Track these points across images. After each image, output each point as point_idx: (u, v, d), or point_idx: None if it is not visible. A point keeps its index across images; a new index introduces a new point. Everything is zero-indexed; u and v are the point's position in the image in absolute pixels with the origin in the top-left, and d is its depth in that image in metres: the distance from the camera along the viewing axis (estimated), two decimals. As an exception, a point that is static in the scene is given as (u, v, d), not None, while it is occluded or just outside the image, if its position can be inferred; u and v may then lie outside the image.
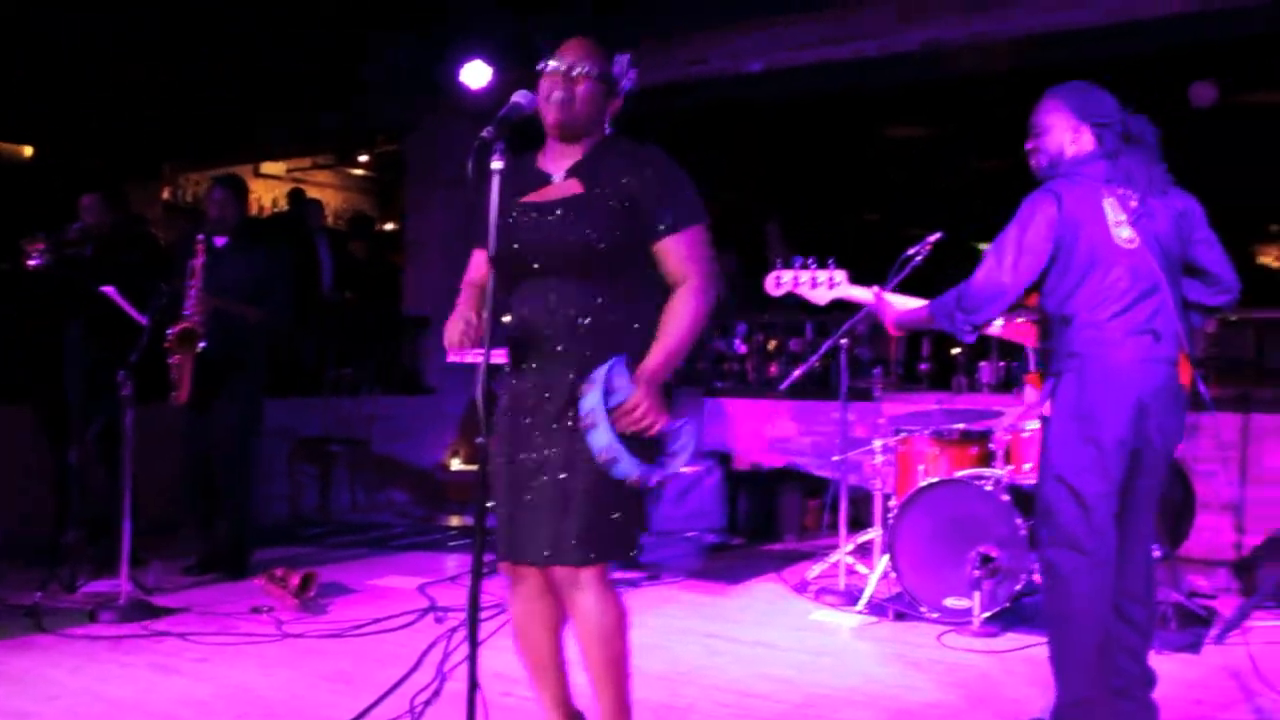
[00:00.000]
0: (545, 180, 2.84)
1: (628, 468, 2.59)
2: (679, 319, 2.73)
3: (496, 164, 2.54)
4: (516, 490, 2.77)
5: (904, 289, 4.98)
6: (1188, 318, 3.39)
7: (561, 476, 2.70)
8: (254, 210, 12.65)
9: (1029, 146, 3.49)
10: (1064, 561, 3.23)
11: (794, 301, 8.79)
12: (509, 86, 2.76)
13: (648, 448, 2.66)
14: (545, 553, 2.71)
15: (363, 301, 9.93)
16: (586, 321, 2.73)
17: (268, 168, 13.06)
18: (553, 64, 2.77)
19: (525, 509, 2.74)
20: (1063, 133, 3.40)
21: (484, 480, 2.62)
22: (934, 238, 5.04)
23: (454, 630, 4.44)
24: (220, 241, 5.60)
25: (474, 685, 2.54)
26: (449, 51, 7.90)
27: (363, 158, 13.67)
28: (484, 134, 2.54)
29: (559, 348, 2.74)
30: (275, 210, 12.36)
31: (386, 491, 8.49)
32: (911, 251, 5.01)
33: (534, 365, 2.78)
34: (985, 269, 3.30)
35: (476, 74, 7.52)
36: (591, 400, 2.57)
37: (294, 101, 9.27)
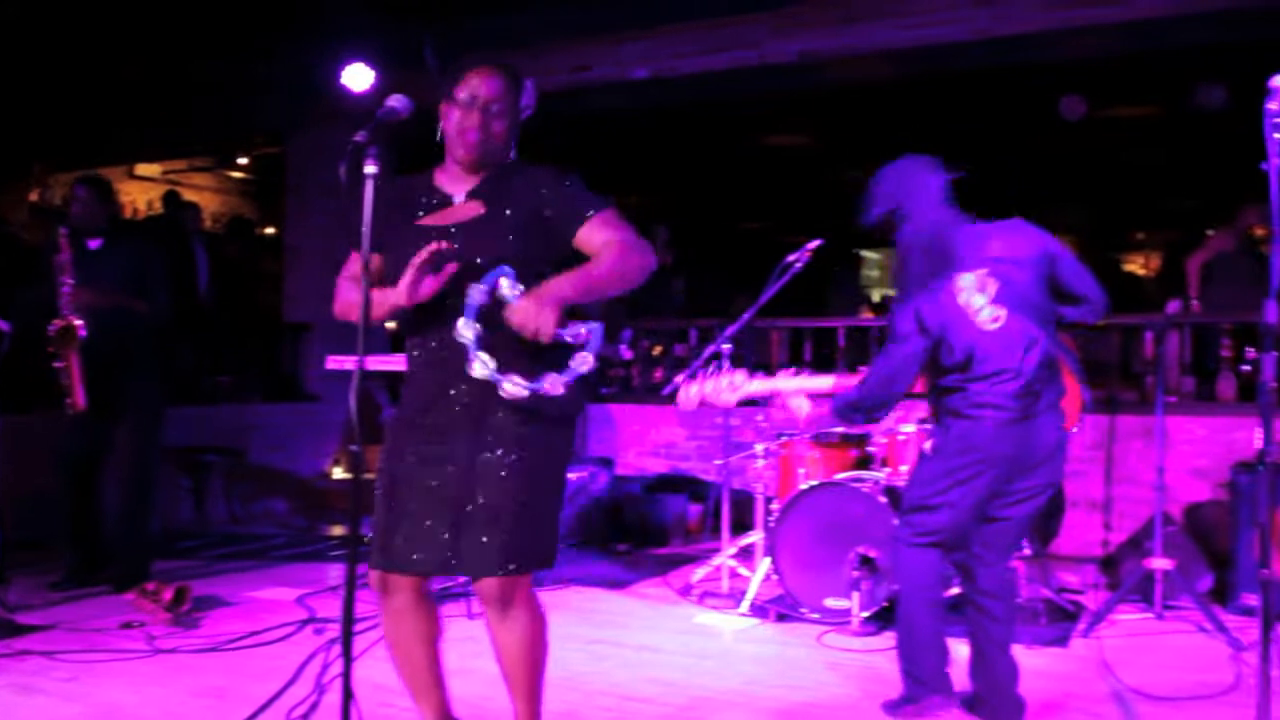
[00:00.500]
0: (447, 201, 2.84)
1: (513, 388, 2.54)
2: (602, 259, 2.72)
3: (370, 169, 2.51)
4: (421, 501, 2.74)
5: (784, 294, 5.08)
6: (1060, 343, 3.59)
7: (484, 488, 2.70)
8: (128, 213, 12.32)
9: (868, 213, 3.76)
10: (912, 561, 3.53)
11: (679, 307, 8.86)
12: (391, 89, 2.72)
13: (540, 359, 2.63)
14: (483, 566, 2.70)
15: (241, 307, 9.71)
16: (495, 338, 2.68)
17: (142, 169, 12.71)
18: (464, 95, 2.78)
19: (437, 520, 2.73)
20: (909, 208, 3.65)
21: (356, 489, 2.57)
22: (813, 245, 5.13)
23: (333, 642, 4.35)
24: (94, 244, 5.43)
25: (348, 696, 2.50)
26: (330, 54, 7.78)
27: (242, 160, 13.38)
28: (357, 138, 2.51)
29: (448, 380, 2.73)
30: (150, 213, 12.03)
31: (265, 502, 8.30)
32: (791, 258, 5.10)
33: (445, 379, 2.75)
34: (868, 385, 3.53)
35: (358, 77, 7.42)
36: (466, 327, 2.53)
37: (168, 102, 9.03)
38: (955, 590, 4.70)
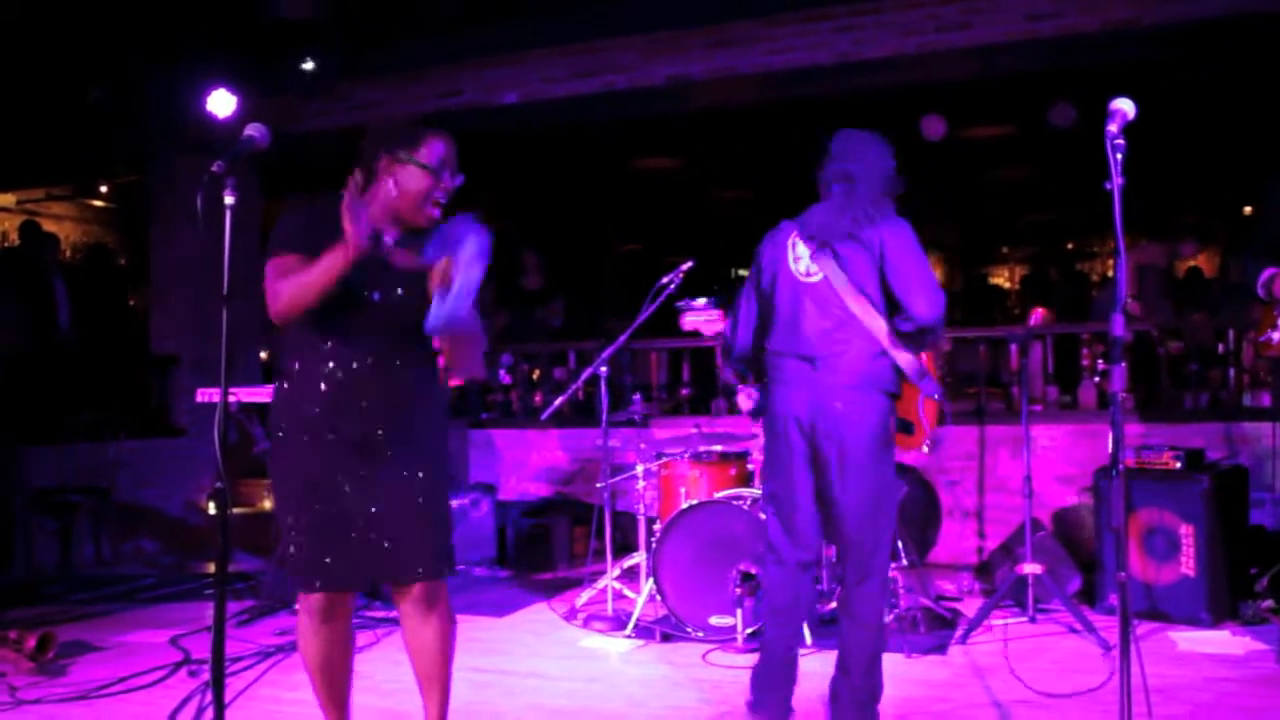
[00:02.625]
0: (378, 236, 2.93)
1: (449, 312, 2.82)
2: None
3: (229, 199, 2.48)
4: (360, 520, 2.92)
5: (658, 317, 5.12)
6: (901, 345, 3.62)
7: (414, 499, 2.94)
8: (-19, 244, 11.84)
9: None
10: (769, 573, 3.72)
11: (556, 330, 8.86)
12: (255, 116, 2.69)
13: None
14: (418, 570, 2.96)
15: (104, 340, 9.39)
16: (416, 371, 3.00)
17: (-5, 199, 12.24)
18: (432, 161, 2.94)
19: (375, 535, 2.92)
20: None
21: (224, 525, 2.52)
22: (686, 266, 5.19)
23: (208, 684, 4.23)
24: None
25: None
26: (192, 80, 7.60)
27: (103, 188, 12.97)
28: (214, 168, 2.48)
29: (396, 390, 2.95)
30: (6, 244, 11.57)
31: (135, 541, 8.02)
32: (665, 280, 5.14)
33: (363, 406, 2.92)
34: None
35: (221, 103, 7.25)
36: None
37: (24, 129, 8.71)
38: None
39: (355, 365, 2.91)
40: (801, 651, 3.84)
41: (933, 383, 3.69)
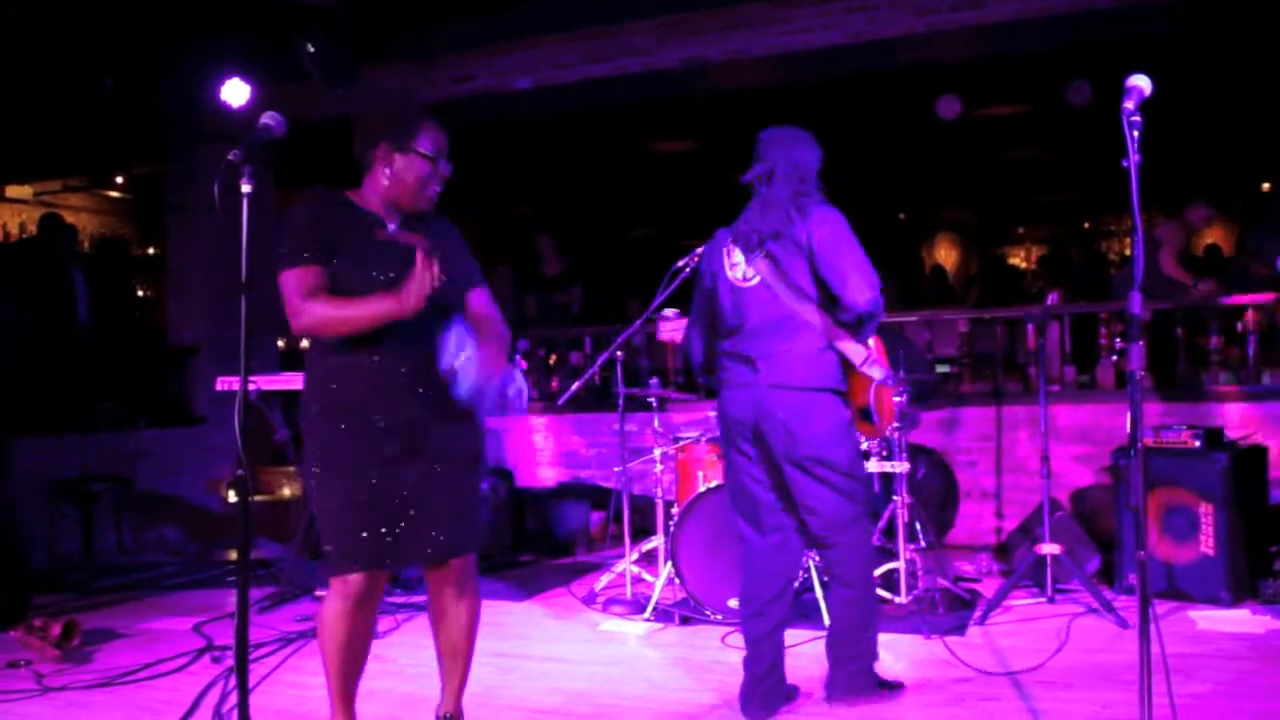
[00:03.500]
0: (380, 223, 3.03)
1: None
2: (503, 334, 3.17)
3: (246, 187, 2.50)
4: (403, 499, 2.99)
5: (674, 300, 5.12)
6: (842, 334, 3.66)
7: (449, 479, 3.04)
8: (-1, 236, 11.90)
9: None
10: (745, 568, 3.85)
11: (575, 315, 8.88)
12: (269, 105, 2.70)
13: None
14: (464, 546, 3.11)
15: (123, 331, 9.44)
16: (431, 355, 2.99)
17: (13, 190, 12.28)
18: (431, 150, 3.04)
19: (413, 518, 3.00)
20: None
21: (245, 513, 2.54)
22: (700, 250, 5.16)
23: (232, 670, 4.28)
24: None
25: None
26: (207, 69, 7.62)
27: (119, 179, 13.01)
28: (231, 157, 2.50)
29: (425, 376, 2.99)
30: (23, 236, 11.63)
31: (157, 529, 8.08)
32: (680, 264, 5.13)
33: (396, 391, 2.99)
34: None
35: (235, 92, 7.27)
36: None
37: (42, 121, 8.75)
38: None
39: (402, 352, 2.98)
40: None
41: (884, 369, 3.70)
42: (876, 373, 3.67)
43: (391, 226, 3.05)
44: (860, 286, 3.55)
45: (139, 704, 4.08)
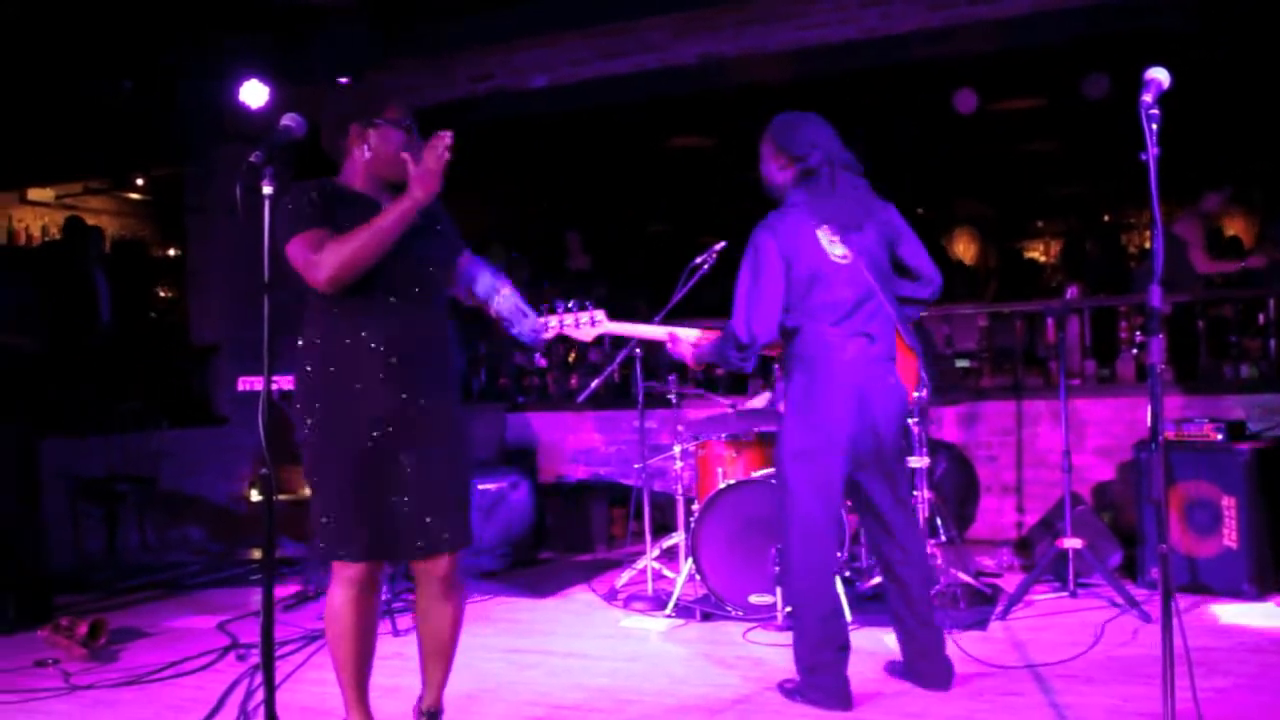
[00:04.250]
0: (374, 205, 3.03)
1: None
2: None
3: (267, 189, 2.53)
4: (397, 490, 3.01)
5: (691, 297, 5.13)
6: (902, 313, 3.88)
7: (438, 471, 3.04)
8: (20, 239, 11.96)
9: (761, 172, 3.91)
10: (797, 542, 3.73)
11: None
12: (287, 105, 2.73)
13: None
14: (454, 540, 3.07)
15: (144, 332, 9.50)
16: (440, 334, 3.11)
17: (35, 194, 12.35)
18: (395, 119, 3.07)
19: (403, 508, 3.01)
20: (768, 163, 3.87)
21: (270, 512, 2.57)
22: (719, 247, 5.18)
23: (257, 667, 4.30)
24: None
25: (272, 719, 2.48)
26: (226, 71, 7.66)
27: (139, 181, 13.07)
28: (252, 158, 2.52)
29: (428, 358, 3.06)
30: (45, 239, 11.71)
31: (180, 529, 8.13)
32: (698, 261, 5.15)
33: (398, 374, 3.01)
34: (738, 311, 3.73)
35: (255, 93, 7.31)
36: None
37: (62, 124, 8.81)
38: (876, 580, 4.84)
39: (399, 339, 3.02)
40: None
41: (912, 335, 3.94)
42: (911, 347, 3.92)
43: (385, 205, 3.05)
44: (935, 266, 3.87)
45: (165, 702, 4.11)
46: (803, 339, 3.72)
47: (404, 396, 3.01)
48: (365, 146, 3.04)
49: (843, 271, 3.71)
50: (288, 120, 2.67)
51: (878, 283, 3.74)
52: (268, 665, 2.48)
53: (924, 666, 3.86)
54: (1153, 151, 2.58)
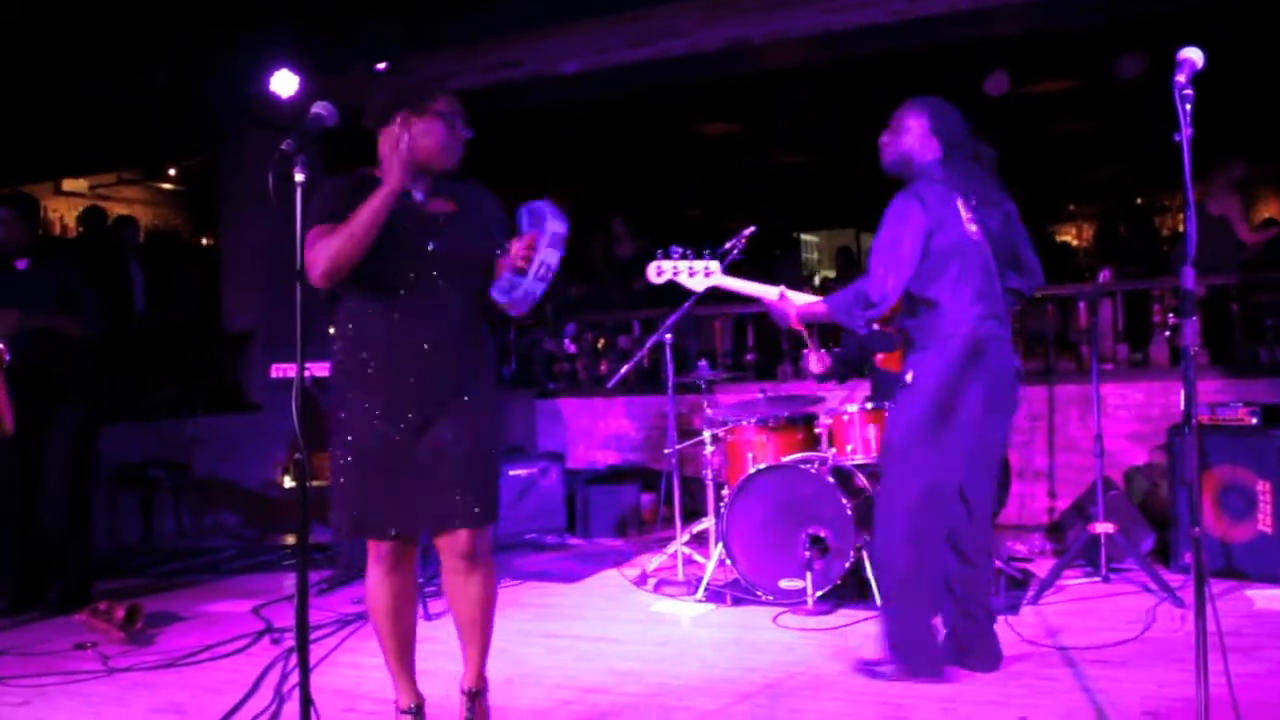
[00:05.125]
0: (407, 196, 3.06)
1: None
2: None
3: (299, 176, 2.55)
4: (412, 471, 3.04)
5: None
6: (1008, 301, 3.95)
7: (460, 450, 3.04)
8: (56, 230, 12.10)
9: (883, 140, 3.90)
10: (914, 514, 3.70)
11: (619, 300, 8.85)
12: (317, 94, 2.75)
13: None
14: (468, 518, 3.05)
15: (179, 320, 9.59)
16: (465, 321, 3.10)
17: (69, 184, 12.49)
18: (448, 111, 3.08)
19: (424, 485, 3.04)
20: (915, 139, 3.83)
21: (304, 497, 2.60)
22: (748, 231, 5.19)
23: (291, 651, 4.36)
24: (21, 264, 5.37)
25: (307, 702, 2.51)
26: (256, 60, 7.70)
27: (171, 171, 13.19)
28: (284, 146, 2.54)
29: (446, 344, 3.06)
30: (81, 230, 11.82)
31: (215, 514, 8.22)
32: (728, 245, 5.14)
33: (416, 360, 3.03)
34: (875, 271, 3.72)
35: (285, 83, 7.35)
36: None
37: (95, 115, 8.89)
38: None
39: (410, 319, 3.04)
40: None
41: None
42: None
43: (418, 195, 3.10)
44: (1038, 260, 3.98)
45: (201, 684, 4.16)
46: (941, 313, 3.72)
47: (426, 383, 3.04)
48: (410, 134, 3.05)
49: (976, 249, 3.77)
50: (319, 108, 2.69)
51: (998, 269, 3.83)
52: (303, 649, 2.51)
53: (978, 646, 3.88)
54: (1186, 132, 2.56)
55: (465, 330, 3.11)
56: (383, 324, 3.05)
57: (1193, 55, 2.65)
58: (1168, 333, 6.93)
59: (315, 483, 7.70)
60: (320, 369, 5.76)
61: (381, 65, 6.47)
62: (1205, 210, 7.29)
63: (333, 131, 2.73)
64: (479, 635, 3.25)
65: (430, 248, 3.04)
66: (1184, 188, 2.57)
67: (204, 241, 13.12)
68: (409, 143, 2.99)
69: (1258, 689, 3.58)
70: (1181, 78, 2.60)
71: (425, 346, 3.04)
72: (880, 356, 5.41)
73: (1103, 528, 5.06)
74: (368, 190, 2.99)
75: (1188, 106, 2.58)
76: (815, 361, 5.46)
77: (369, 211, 2.90)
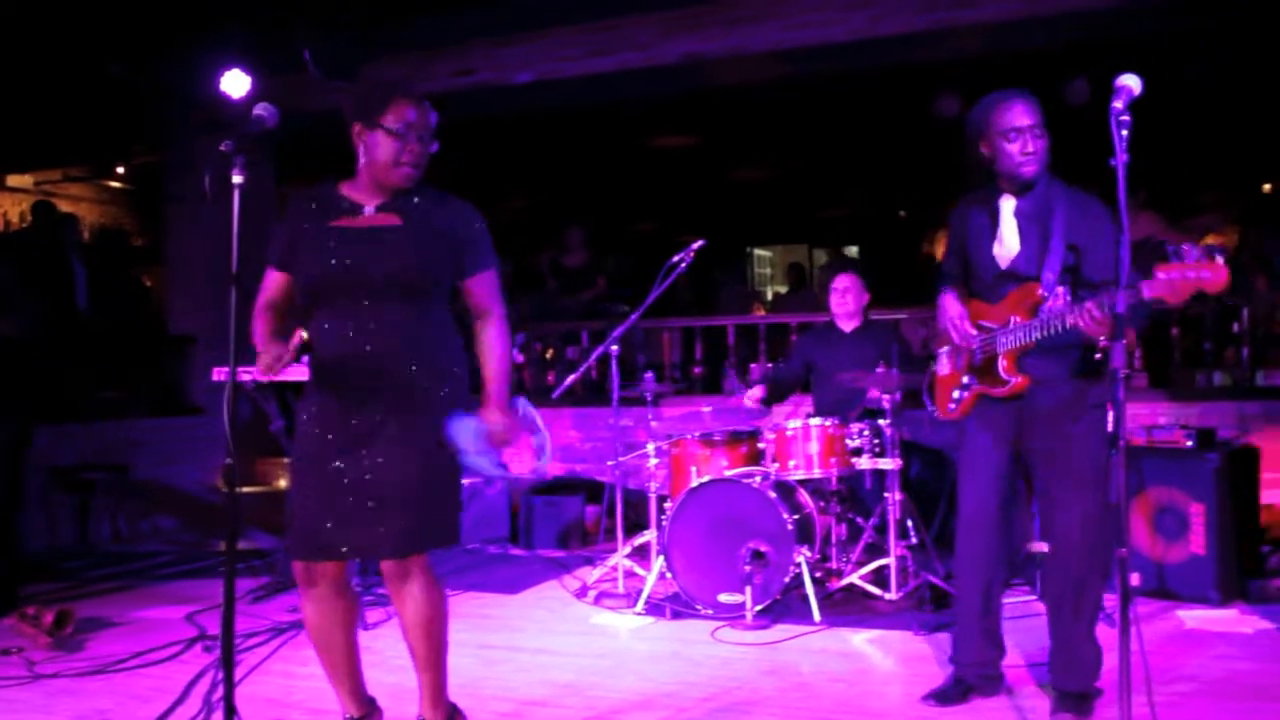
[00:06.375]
0: (357, 209, 3.04)
1: (498, 469, 3.01)
2: (497, 347, 3.12)
3: (237, 178, 2.52)
4: (336, 492, 2.96)
5: (670, 295, 5.14)
6: None
7: (388, 475, 2.95)
8: (-1, 225, 11.91)
9: (1038, 148, 3.64)
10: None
11: (570, 310, 8.86)
12: (269, 96, 2.73)
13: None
14: (387, 547, 2.96)
15: (122, 321, 9.45)
16: (407, 339, 2.99)
17: (14, 180, 12.29)
18: (397, 125, 2.97)
19: (348, 509, 2.96)
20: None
21: (233, 503, 2.57)
22: (697, 245, 5.20)
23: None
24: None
25: (230, 712, 2.48)
26: (207, 60, 7.62)
27: (119, 169, 13.02)
28: (223, 147, 2.51)
29: (383, 364, 2.97)
30: (23, 225, 11.65)
31: (153, 519, 8.10)
32: (676, 259, 5.16)
33: (353, 379, 2.98)
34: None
35: (236, 83, 7.27)
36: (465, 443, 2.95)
37: (41, 110, 8.76)
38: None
39: (359, 335, 2.98)
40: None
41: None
42: None
43: (369, 208, 3.03)
44: None
45: (129, 691, 4.09)
46: None
47: (362, 400, 2.98)
48: (364, 146, 3.01)
49: None
50: (260, 110, 2.67)
51: None
52: (227, 658, 2.48)
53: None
54: (1121, 158, 2.60)
55: (415, 347, 3.01)
56: (334, 336, 3.00)
57: (1130, 82, 2.69)
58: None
59: (254, 488, 7.61)
60: (259, 373, 5.70)
61: (306, 53, 6.41)
62: (1150, 235, 7.39)
63: (282, 135, 2.71)
64: (423, 660, 3.16)
65: (358, 263, 2.96)
66: (1119, 212, 2.61)
67: (151, 242, 12.95)
68: (362, 171, 3.02)
69: (1184, 709, 3.63)
70: (1119, 104, 2.64)
71: (366, 363, 2.97)
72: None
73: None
74: (320, 206, 3.01)
75: (1125, 132, 2.61)
76: (750, 399, 5.58)
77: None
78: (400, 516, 2.95)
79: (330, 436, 2.98)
